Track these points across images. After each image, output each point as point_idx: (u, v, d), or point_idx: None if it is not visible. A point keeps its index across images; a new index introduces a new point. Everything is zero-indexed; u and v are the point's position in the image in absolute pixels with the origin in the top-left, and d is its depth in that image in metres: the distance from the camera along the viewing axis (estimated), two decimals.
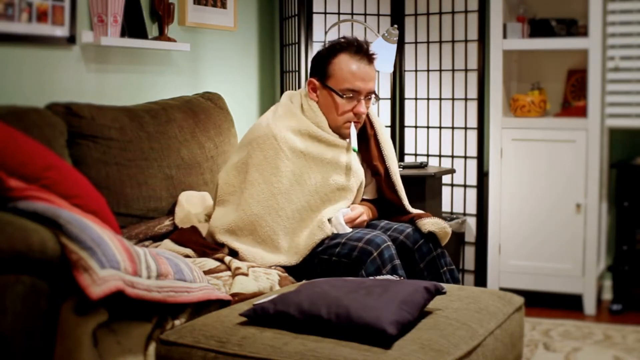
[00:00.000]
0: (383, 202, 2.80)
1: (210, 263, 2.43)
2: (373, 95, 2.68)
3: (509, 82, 4.13)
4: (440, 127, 4.22)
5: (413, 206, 2.81)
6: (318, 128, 2.63)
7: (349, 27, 4.09)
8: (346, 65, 2.62)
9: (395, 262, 2.42)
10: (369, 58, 2.65)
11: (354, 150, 2.62)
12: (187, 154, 2.98)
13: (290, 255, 2.53)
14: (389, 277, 2.30)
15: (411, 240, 2.58)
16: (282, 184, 2.55)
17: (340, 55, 2.64)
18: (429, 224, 2.61)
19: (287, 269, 2.52)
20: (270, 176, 2.56)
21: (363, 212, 2.66)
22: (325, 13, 4.05)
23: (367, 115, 2.75)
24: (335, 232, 2.55)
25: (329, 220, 2.57)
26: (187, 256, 2.49)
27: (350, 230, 2.56)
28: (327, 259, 2.49)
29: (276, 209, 2.54)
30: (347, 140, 2.66)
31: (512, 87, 4.18)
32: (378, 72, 4.13)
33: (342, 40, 2.69)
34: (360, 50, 2.64)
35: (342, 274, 2.45)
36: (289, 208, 2.55)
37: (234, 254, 2.54)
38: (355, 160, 2.69)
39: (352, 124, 2.64)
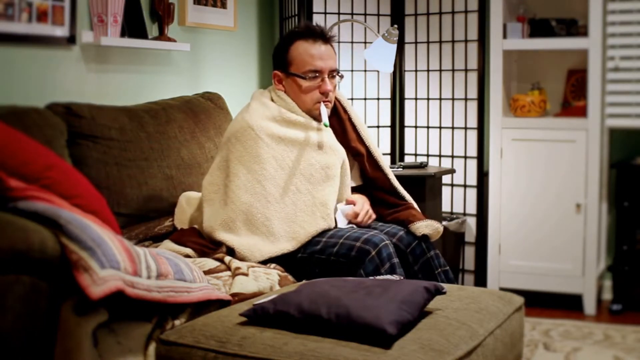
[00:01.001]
0: (369, 185, 2.83)
1: (210, 263, 2.43)
2: (337, 74, 2.73)
3: (509, 82, 4.13)
4: (440, 127, 4.22)
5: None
6: (291, 113, 2.67)
7: (349, 27, 4.09)
8: (303, 49, 2.68)
9: (393, 261, 2.43)
10: (324, 39, 2.71)
11: (325, 126, 2.66)
12: (187, 154, 2.98)
13: (287, 241, 2.53)
14: (388, 277, 2.30)
15: (404, 243, 2.60)
16: (267, 170, 2.58)
17: (295, 42, 2.71)
18: (423, 226, 2.65)
19: (289, 266, 2.52)
20: (253, 165, 2.58)
21: (364, 202, 2.70)
22: (325, 13, 4.05)
23: (339, 100, 2.82)
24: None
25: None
26: (187, 256, 2.49)
27: (349, 226, 2.58)
28: (325, 258, 2.50)
29: (264, 195, 2.56)
30: (322, 122, 2.70)
31: (512, 87, 4.18)
32: (379, 71, 4.14)
33: (295, 28, 2.78)
34: (313, 33, 2.71)
35: (340, 274, 2.45)
36: (277, 193, 2.57)
37: (231, 252, 2.54)
38: (331, 137, 2.72)
39: (322, 103, 2.69)
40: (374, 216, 2.71)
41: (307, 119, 2.69)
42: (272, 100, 2.74)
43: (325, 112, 2.68)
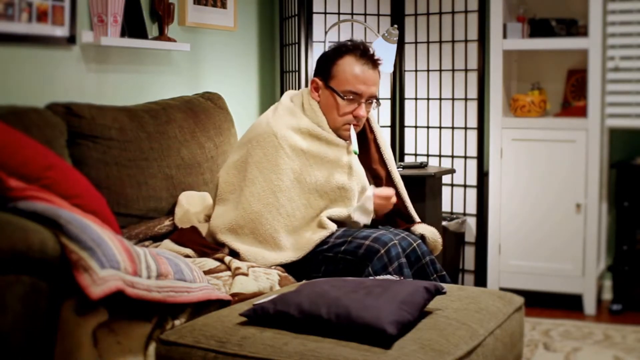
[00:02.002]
0: None
1: (210, 263, 2.43)
2: (374, 101, 2.68)
3: (509, 82, 4.14)
4: (440, 127, 4.22)
5: (414, 206, 2.81)
6: (318, 127, 2.64)
7: (349, 27, 4.09)
8: (350, 67, 2.63)
9: (401, 260, 2.42)
10: (374, 63, 2.66)
11: (355, 153, 2.63)
12: (187, 154, 2.98)
13: (292, 251, 2.53)
14: (389, 277, 2.30)
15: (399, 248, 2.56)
16: (283, 182, 2.55)
17: (345, 57, 2.65)
18: (423, 227, 2.67)
19: (291, 266, 2.52)
20: (270, 174, 2.56)
21: (393, 195, 2.67)
22: (325, 13, 4.05)
23: (367, 119, 2.77)
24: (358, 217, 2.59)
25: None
26: (187, 256, 2.49)
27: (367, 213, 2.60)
28: (332, 256, 2.49)
29: (277, 207, 2.54)
30: (348, 141, 2.66)
31: (512, 87, 4.18)
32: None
33: (349, 42, 2.70)
34: (366, 54, 2.65)
35: (347, 272, 2.45)
36: (290, 206, 2.55)
37: (234, 254, 2.54)
38: (356, 161, 2.69)
39: (352, 126, 2.65)
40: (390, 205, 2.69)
41: (334, 136, 2.65)
42: (303, 106, 2.69)
43: (354, 138, 2.63)
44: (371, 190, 2.62)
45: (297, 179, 2.58)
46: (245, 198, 2.56)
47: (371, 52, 2.67)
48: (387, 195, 2.64)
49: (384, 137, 2.84)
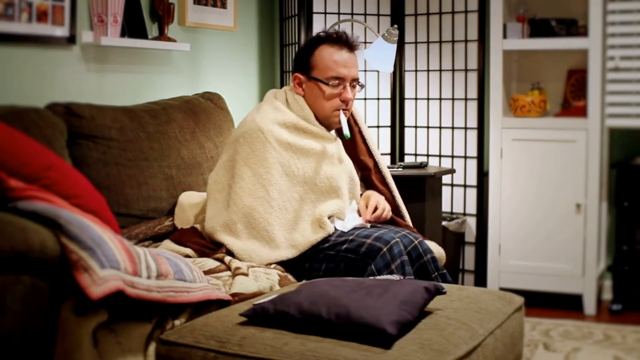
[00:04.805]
0: None
1: (210, 263, 2.43)
2: (358, 84, 2.71)
3: (509, 82, 4.14)
4: (440, 127, 4.22)
5: (414, 206, 2.82)
6: (304, 121, 2.65)
7: (349, 27, 4.09)
8: (328, 54, 2.66)
9: (404, 258, 2.43)
10: (350, 46, 2.69)
11: (346, 137, 2.65)
12: (187, 154, 2.98)
13: (287, 249, 2.53)
14: (389, 277, 2.30)
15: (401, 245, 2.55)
16: (272, 175, 2.57)
17: (320, 46, 2.68)
18: (428, 243, 2.65)
19: (292, 264, 2.53)
20: (258, 168, 2.57)
21: (378, 197, 2.69)
22: (325, 13, 4.05)
23: (351, 114, 2.80)
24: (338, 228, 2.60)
25: (330, 218, 2.59)
26: (187, 256, 2.49)
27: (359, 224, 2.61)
28: (333, 254, 2.50)
29: (268, 200, 2.55)
30: (332, 131, 2.70)
31: (512, 87, 4.18)
32: (379, 71, 4.15)
33: (321, 33, 2.74)
34: (340, 39, 2.68)
35: (348, 270, 2.45)
36: (280, 199, 2.57)
37: (231, 253, 2.54)
38: (342, 151, 2.72)
39: (341, 111, 2.67)
40: (389, 214, 2.70)
41: (320, 128, 2.67)
42: (288, 102, 2.71)
43: (345, 122, 2.65)
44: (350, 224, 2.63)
45: (286, 172, 2.59)
46: (236, 194, 2.57)
47: (345, 37, 2.69)
48: (377, 215, 2.66)
49: (368, 129, 2.89)
